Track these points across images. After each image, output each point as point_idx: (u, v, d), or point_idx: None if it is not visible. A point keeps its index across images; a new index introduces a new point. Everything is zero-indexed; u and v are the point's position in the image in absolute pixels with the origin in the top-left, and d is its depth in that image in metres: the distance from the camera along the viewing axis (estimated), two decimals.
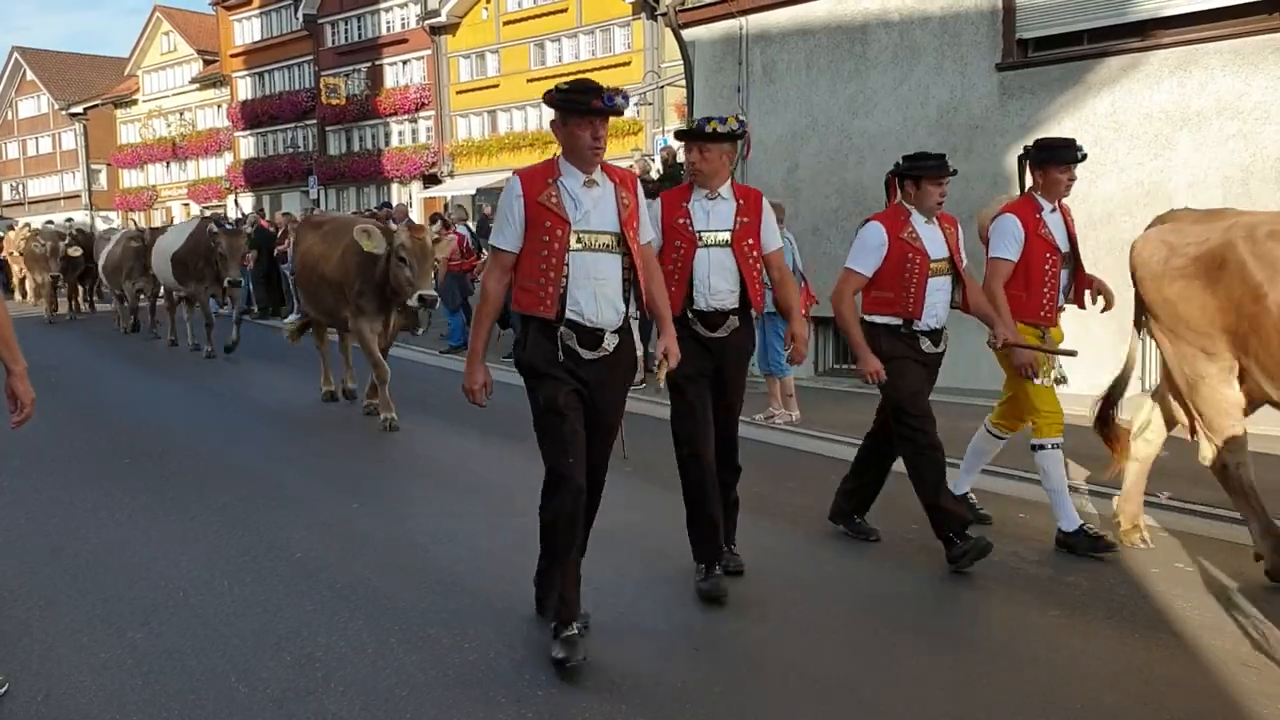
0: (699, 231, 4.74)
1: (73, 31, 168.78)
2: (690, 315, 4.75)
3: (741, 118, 4.97)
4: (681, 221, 4.77)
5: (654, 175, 16.24)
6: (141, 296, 16.78)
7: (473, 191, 36.15)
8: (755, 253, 4.80)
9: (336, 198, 42.20)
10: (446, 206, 32.52)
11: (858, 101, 10.91)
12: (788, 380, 8.94)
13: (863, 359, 5.14)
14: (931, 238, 5.21)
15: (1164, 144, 8.82)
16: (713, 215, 4.77)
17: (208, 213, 25.10)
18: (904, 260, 5.14)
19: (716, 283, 4.74)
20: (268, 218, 23.66)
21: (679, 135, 5.01)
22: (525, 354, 4.11)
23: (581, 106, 3.98)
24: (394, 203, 27.74)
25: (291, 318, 11.03)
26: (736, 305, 4.78)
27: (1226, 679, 3.86)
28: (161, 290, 15.72)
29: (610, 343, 4.08)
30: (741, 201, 4.82)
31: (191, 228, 14.19)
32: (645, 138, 30.31)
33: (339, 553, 5.40)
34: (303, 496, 6.64)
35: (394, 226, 8.27)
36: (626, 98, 4.10)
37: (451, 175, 38.68)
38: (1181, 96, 8.72)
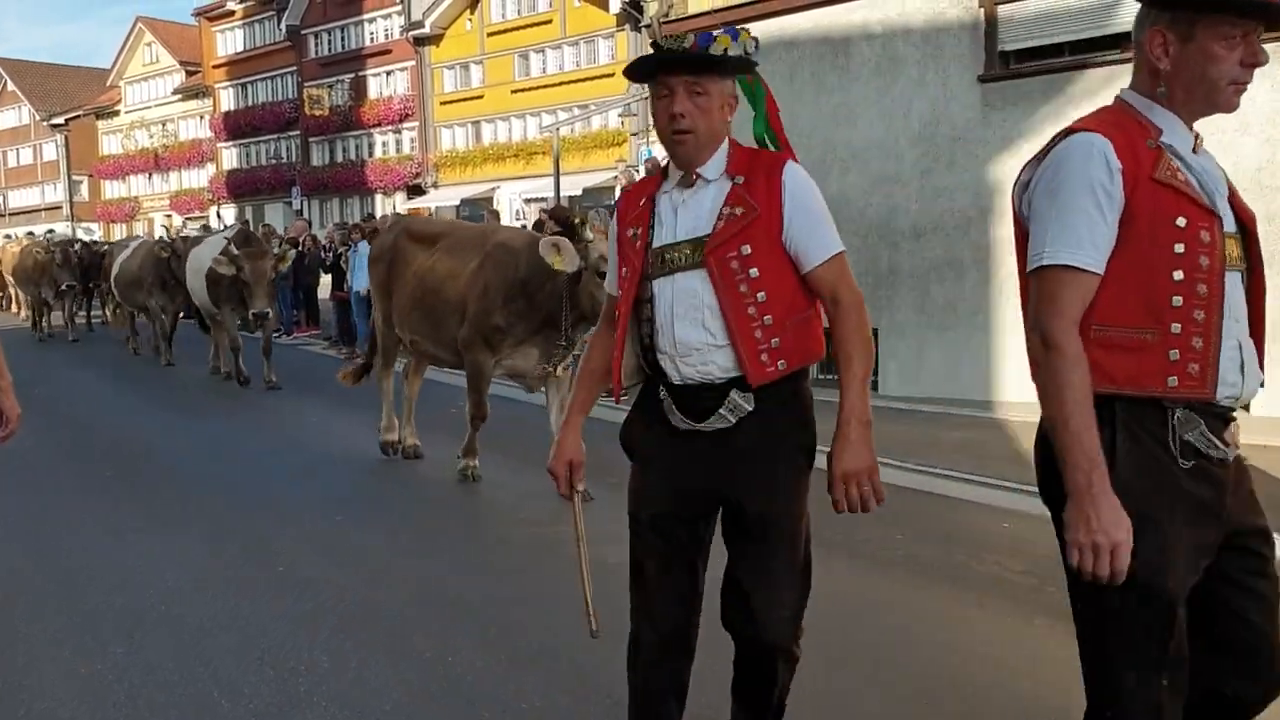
0: (656, 247, 2.72)
1: (54, 42, 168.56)
2: (662, 394, 2.76)
3: (756, 34, 2.79)
4: (633, 232, 2.79)
5: None
6: (145, 315, 15.12)
7: (457, 202, 36.19)
8: (754, 272, 2.62)
9: (320, 209, 42.11)
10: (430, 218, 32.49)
11: (840, 113, 10.95)
12: None
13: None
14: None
15: None
16: (683, 215, 2.71)
17: (233, 222, 24.37)
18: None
19: (684, 333, 2.66)
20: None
21: (635, 70, 2.74)
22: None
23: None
24: (378, 214, 27.67)
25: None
26: (736, 373, 2.66)
27: None
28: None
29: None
30: (739, 180, 2.68)
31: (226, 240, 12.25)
32: (630, 148, 30.37)
33: (323, 566, 5.37)
34: (287, 509, 6.61)
35: (590, 236, 6.46)
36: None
37: (435, 186, 38.70)
38: None
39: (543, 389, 7.14)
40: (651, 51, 2.73)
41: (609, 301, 2.92)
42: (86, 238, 29.49)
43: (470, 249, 7.19)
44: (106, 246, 20.80)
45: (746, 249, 2.63)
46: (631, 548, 2.92)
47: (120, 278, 14.90)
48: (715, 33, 2.67)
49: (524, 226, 20.81)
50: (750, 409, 2.66)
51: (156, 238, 17.67)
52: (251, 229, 13.74)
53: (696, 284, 2.65)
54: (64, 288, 17.38)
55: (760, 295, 2.63)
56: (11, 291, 23.06)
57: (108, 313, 20.41)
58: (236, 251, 11.12)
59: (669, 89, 2.65)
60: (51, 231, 26.77)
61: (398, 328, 7.75)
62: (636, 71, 2.74)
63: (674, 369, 2.70)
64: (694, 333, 2.66)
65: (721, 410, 2.67)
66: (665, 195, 2.78)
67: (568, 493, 2.91)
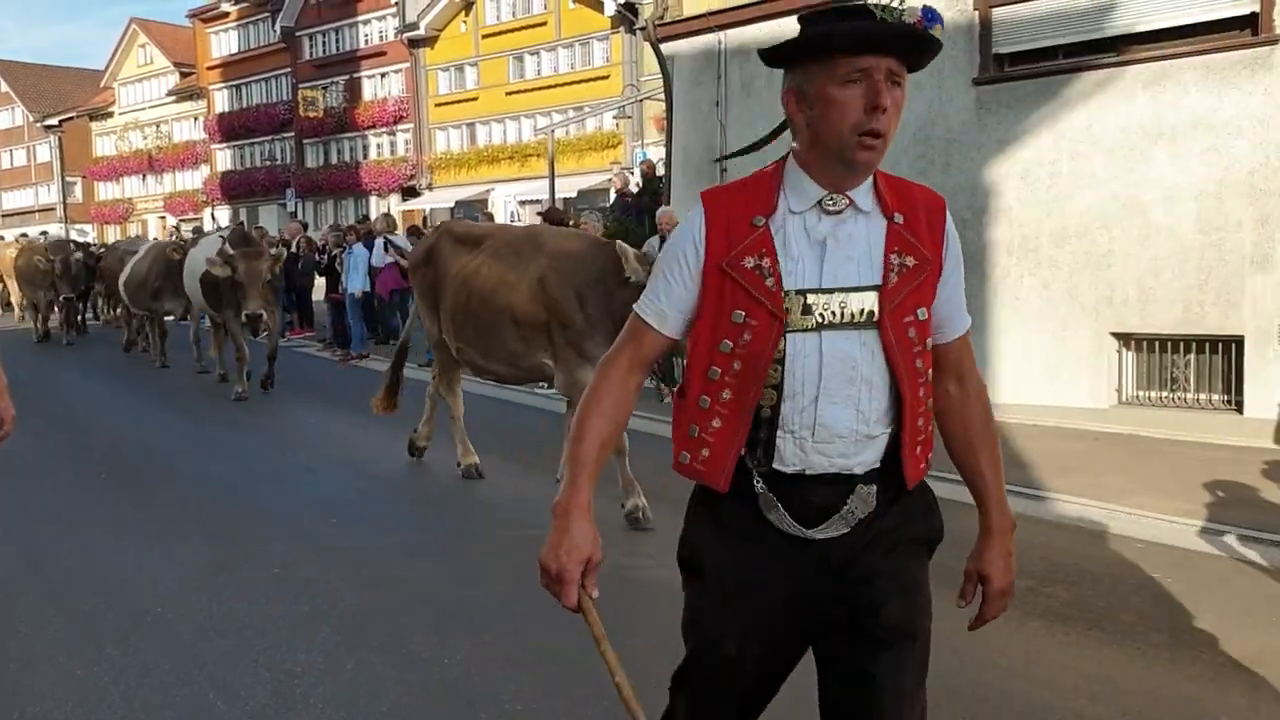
0: (797, 291, 1.98)
1: (49, 43, 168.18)
2: (759, 488, 2.05)
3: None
4: (757, 263, 1.99)
5: (633, 189, 16.28)
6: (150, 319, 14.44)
7: (451, 204, 36.18)
8: (928, 344, 2.08)
9: (314, 211, 42.07)
10: (425, 220, 32.54)
11: None
12: None
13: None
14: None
15: (1139, 158, 8.90)
16: (832, 252, 1.99)
17: (235, 221, 23.58)
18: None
19: (831, 413, 2.00)
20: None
21: (821, 38, 1.94)
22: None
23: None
24: (373, 214, 27.65)
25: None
26: (875, 464, 2.08)
27: (1205, 691, 3.89)
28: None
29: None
30: (899, 219, 2.03)
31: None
32: (624, 151, 30.38)
33: (318, 568, 5.37)
34: (281, 512, 6.60)
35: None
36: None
37: (430, 188, 38.70)
38: (1156, 111, 8.81)
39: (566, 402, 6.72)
40: (841, 19, 1.93)
41: (639, 337, 2.16)
42: (80, 239, 29.27)
43: (523, 256, 6.56)
44: (103, 248, 20.52)
45: (923, 313, 2.03)
46: (689, 681, 2.33)
47: (130, 281, 14.05)
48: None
49: None
50: (874, 507, 2.07)
51: (169, 238, 17.22)
52: (247, 229, 13.63)
53: (855, 350, 1.98)
54: (63, 299, 17.18)
55: (930, 373, 2.10)
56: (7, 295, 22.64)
57: (106, 312, 20.15)
58: (232, 251, 10.64)
59: (867, 73, 1.91)
60: (45, 233, 26.51)
61: (444, 335, 7.21)
62: (820, 40, 1.94)
63: (798, 454, 2.02)
64: (844, 414, 2.00)
65: (843, 512, 2.05)
66: (796, 218, 2.01)
67: (575, 604, 2.11)
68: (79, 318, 19.05)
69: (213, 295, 11.35)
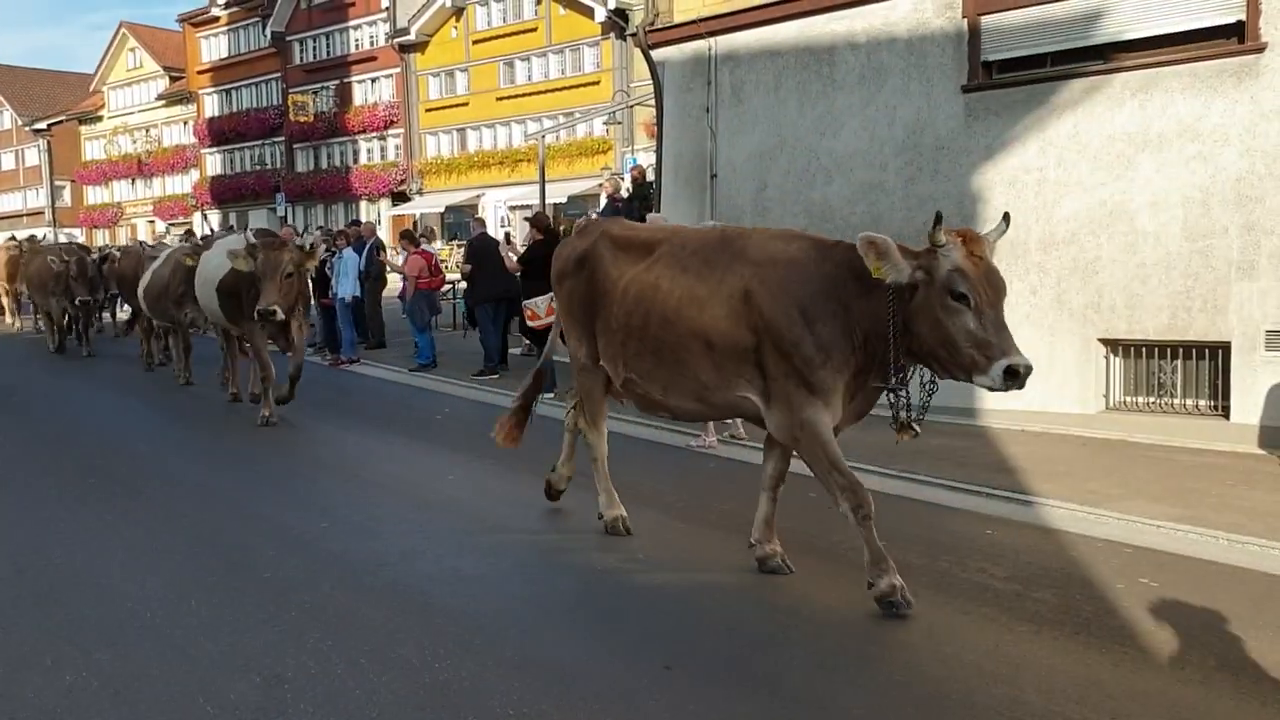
0: None
1: (37, 47, 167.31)
2: None
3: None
4: None
5: (624, 194, 16.30)
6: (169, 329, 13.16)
7: (441, 209, 36.21)
8: None
9: (304, 215, 42.03)
10: (415, 224, 32.53)
11: (825, 122, 10.99)
12: None
13: None
14: None
15: (1126, 165, 8.95)
16: None
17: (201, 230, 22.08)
18: None
19: None
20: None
21: None
22: None
23: None
24: (362, 219, 27.64)
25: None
26: None
27: (1194, 693, 3.91)
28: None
29: None
30: None
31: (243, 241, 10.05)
32: (615, 156, 30.43)
33: (308, 572, 5.36)
34: (271, 516, 6.59)
35: (942, 239, 4.61)
36: None
37: (420, 193, 38.69)
38: (1143, 119, 8.86)
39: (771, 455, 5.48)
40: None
41: None
42: (65, 240, 28.92)
43: (716, 264, 5.30)
44: (118, 250, 19.13)
45: None
46: None
47: (151, 288, 12.62)
48: None
49: (508, 235, 20.76)
50: None
51: (188, 241, 15.27)
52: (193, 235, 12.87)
53: None
54: (78, 302, 15.39)
55: None
56: (3, 301, 21.29)
57: (117, 325, 19.12)
58: (254, 241, 9.58)
59: None
60: (33, 237, 25.97)
61: (601, 358, 5.91)
62: None
63: None
64: None
65: None
66: None
67: None
68: (87, 326, 16.89)
69: (232, 304, 10.05)
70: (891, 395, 4.89)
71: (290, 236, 13.48)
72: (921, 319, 4.63)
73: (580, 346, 6.07)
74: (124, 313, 18.52)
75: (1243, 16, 8.28)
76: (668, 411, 5.77)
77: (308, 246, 10.37)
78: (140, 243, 20.52)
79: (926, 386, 4.87)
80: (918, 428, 4.93)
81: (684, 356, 5.34)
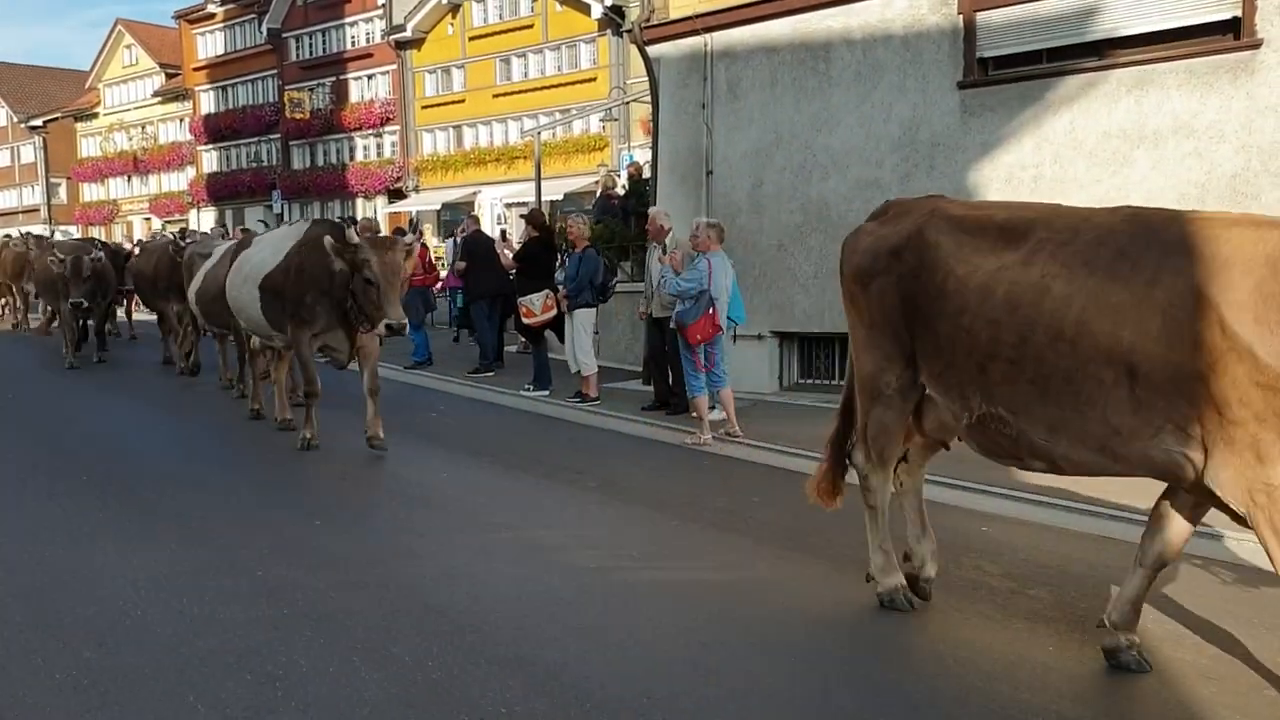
0: None
1: (32, 44, 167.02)
2: None
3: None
4: None
5: (620, 191, 16.27)
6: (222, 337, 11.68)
7: (438, 206, 36.14)
8: None
9: (300, 212, 41.96)
10: (411, 221, 32.49)
11: (821, 118, 10.98)
12: (700, 400, 8.75)
13: None
14: None
15: (1122, 161, 8.94)
16: None
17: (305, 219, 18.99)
18: None
19: None
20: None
21: None
22: None
23: None
24: (359, 216, 27.60)
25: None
26: None
27: (1187, 691, 3.90)
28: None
29: None
30: None
31: (298, 235, 8.66)
32: (611, 153, 30.39)
33: (300, 570, 5.34)
34: (263, 514, 6.57)
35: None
36: None
37: (416, 190, 38.62)
38: (1138, 115, 8.85)
39: None
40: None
41: None
42: (62, 237, 28.70)
43: (1138, 259, 3.91)
44: (137, 245, 17.86)
45: None
46: None
47: (204, 291, 10.67)
48: None
49: (504, 233, 20.73)
50: None
51: (232, 238, 13.63)
52: (249, 229, 12.42)
53: None
54: (71, 303, 13.78)
55: None
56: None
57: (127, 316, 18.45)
58: (357, 239, 7.72)
59: None
60: (28, 234, 25.68)
61: (932, 385, 4.54)
62: None
63: None
64: None
65: None
66: None
67: None
68: (89, 326, 15.66)
69: (276, 307, 8.49)
70: None
71: (369, 228, 11.72)
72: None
73: (889, 369, 4.63)
74: (140, 312, 18.06)
75: (1239, 13, 8.28)
76: (1046, 462, 4.22)
77: (411, 243, 8.88)
78: (175, 235, 18.09)
79: None
80: None
81: (1086, 389, 3.92)
